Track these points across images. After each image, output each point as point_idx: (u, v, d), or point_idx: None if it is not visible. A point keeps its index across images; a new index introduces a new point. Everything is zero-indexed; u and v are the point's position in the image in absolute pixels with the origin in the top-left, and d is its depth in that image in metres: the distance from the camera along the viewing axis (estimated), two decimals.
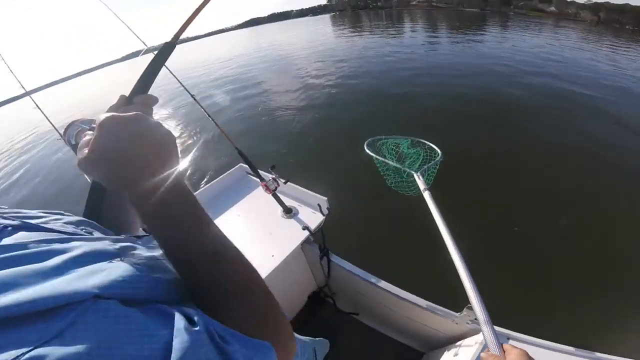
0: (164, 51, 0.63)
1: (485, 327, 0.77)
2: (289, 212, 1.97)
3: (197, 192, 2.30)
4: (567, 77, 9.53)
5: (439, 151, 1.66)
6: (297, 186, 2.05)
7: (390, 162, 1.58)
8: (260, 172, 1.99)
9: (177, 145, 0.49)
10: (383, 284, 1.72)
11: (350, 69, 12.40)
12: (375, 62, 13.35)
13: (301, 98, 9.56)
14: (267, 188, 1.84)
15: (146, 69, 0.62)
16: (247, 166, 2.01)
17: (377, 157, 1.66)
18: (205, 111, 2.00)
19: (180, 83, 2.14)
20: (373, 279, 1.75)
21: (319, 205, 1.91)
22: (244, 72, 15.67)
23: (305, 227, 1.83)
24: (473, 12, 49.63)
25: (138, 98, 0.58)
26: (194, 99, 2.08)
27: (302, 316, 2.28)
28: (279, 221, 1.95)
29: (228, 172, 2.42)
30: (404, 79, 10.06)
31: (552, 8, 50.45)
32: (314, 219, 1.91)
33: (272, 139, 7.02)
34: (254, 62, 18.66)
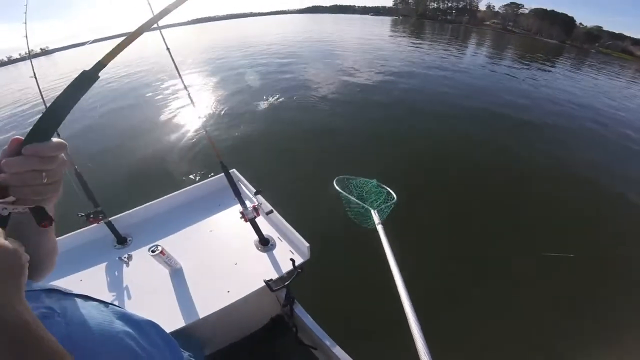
0: (82, 81, 0.47)
1: None
2: (264, 243, 1.81)
3: (174, 194, 2.21)
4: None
5: (395, 196, 1.96)
6: (282, 219, 1.87)
7: (353, 198, 1.85)
8: (245, 190, 1.83)
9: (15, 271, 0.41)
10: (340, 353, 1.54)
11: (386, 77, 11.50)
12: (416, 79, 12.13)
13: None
14: (243, 216, 1.69)
15: (54, 102, 0.46)
16: (238, 175, 1.87)
17: (343, 192, 1.92)
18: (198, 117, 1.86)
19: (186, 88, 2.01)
20: (336, 349, 1.57)
21: (299, 248, 1.73)
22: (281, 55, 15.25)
23: (278, 269, 1.68)
24: (550, 43, 45.63)
25: (32, 148, 0.44)
26: (190, 99, 1.97)
27: (259, 337, 2.13)
28: (251, 251, 1.81)
29: (210, 178, 2.28)
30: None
31: None
32: (290, 261, 1.73)
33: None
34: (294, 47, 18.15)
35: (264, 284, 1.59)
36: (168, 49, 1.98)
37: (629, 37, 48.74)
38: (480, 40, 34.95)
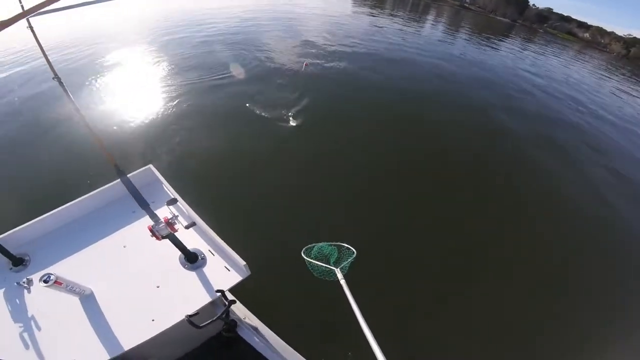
0: None
1: None
2: (192, 260, 1.60)
3: (75, 201, 1.82)
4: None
5: (354, 250, 2.14)
6: (210, 230, 1.67)
7: (319, 264, 2.04)
8: (167, 190, 1.59)
9: None
10: None
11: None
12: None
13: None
14: (153, 234, 1.41)
15: None
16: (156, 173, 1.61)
17: (313, 261, 2.09)
18: (79, 113, 1.51)
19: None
20: None
21: (235, 263, 1.57)
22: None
23: (210, 290, 1.48)
24: (503, 22, 47.56)
25: None
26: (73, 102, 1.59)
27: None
28: (176, 271, 1.58)
29: (119, 180, 1.86)
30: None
31: (587, 35, 48.77)
32: (228, 277, 1.55)
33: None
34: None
35: (201, 306, 1.43)
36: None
37: (575, 19, 52.37)
38: (437, 14, 35.54)
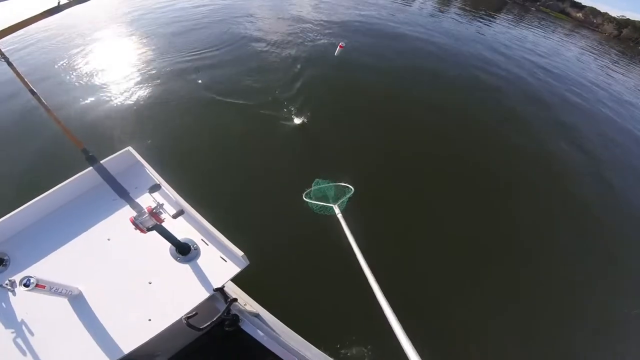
0: None
1: None
2: (184, 252, 1.51)
3: (51, 191, 1.67)
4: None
5: (352, 188, 2.23)
6: (201, 218, 1.57)
7: (318, 203, 2.16)
8: (150, 174, 1.46)
9: None
10: None
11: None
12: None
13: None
14: (137, 226, 1.27)
15: None
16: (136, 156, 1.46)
17: (310, 201, 2.24)
18: (42, 103, 1.27)
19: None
20: None
21: (232, 253, 1.48)
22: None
23: (207, 284, 1.40)
24: None
25: None
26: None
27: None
28: (168, 264, 1.49)
29: (97, 164, 1.63)
30: None
31: (579, 15, 48.29)
32: (225, 269, 1.45)
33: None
34: None
35: (199, 303, 1.35)
36: None
37: None
38: None
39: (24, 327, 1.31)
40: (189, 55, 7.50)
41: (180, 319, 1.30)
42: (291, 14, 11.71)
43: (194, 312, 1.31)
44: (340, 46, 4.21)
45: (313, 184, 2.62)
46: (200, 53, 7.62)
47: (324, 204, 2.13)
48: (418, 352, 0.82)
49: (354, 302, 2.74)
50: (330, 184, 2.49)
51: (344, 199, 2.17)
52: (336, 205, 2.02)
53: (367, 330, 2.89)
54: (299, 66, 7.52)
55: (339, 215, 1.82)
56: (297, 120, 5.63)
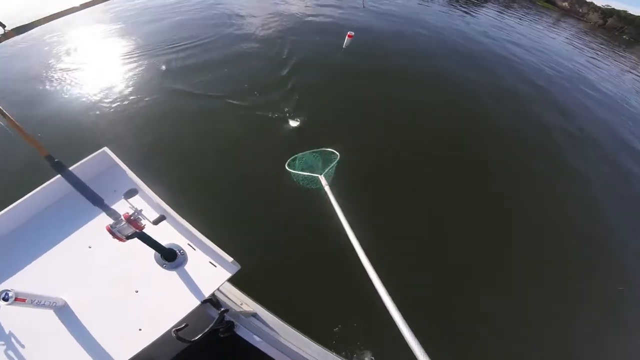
0: None
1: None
2: (170, 258, 1.48)
3: (25, 198, 1.59)
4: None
5: (337, 154, 2.13)
6: (186, 223, 1.54)
7: (302, 173, 2.03)
8: (129, 177, 1.42)
9: None
10: None
11: None
12: None
13: None
14: (114, 235, 1.21)
15: None
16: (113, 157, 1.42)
17: (294, 171, 2.11)
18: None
19: None
20: None
21: (221, 259, 1.44)
22: None
23: (196, 291, 1.36)
24: None
25: None
26: None
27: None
28: (154, 271, 1.46)
29: (76, 165, 1.60)
30: None
31: (565, 4, 48.79)
32: (214, 275, 1.41)
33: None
34: None
35: (190, 310, 1.33)
36: None
37: None
38: None
39: (12, 340, 1.28)
40: (170, 50, 7.30)
41: (172, 327, 1.28)
42: (281, 8, 11.53)
43: (183, 324, 1.27)
44: (349, 35, 3.50)
45: (290, 160, 2.42)
46: (184, 48, 7.42)
47: (309, 174, 2.00)
48: (420, 346, 0.82)
49: (353, 295, 2.73)
50: (314, 152, 2.33)
51: (330, 166, 2.05)
52: (322, 176, 1.89)
53: (367, 321, 2.91)
54: (292, 62, 7.40)
55: (326, 188, 1.70)
56: (293, 122, 5.52)
